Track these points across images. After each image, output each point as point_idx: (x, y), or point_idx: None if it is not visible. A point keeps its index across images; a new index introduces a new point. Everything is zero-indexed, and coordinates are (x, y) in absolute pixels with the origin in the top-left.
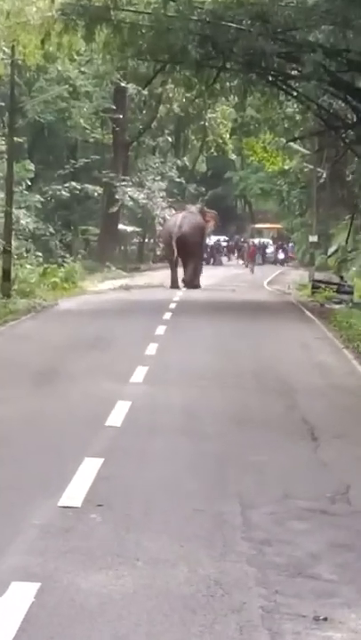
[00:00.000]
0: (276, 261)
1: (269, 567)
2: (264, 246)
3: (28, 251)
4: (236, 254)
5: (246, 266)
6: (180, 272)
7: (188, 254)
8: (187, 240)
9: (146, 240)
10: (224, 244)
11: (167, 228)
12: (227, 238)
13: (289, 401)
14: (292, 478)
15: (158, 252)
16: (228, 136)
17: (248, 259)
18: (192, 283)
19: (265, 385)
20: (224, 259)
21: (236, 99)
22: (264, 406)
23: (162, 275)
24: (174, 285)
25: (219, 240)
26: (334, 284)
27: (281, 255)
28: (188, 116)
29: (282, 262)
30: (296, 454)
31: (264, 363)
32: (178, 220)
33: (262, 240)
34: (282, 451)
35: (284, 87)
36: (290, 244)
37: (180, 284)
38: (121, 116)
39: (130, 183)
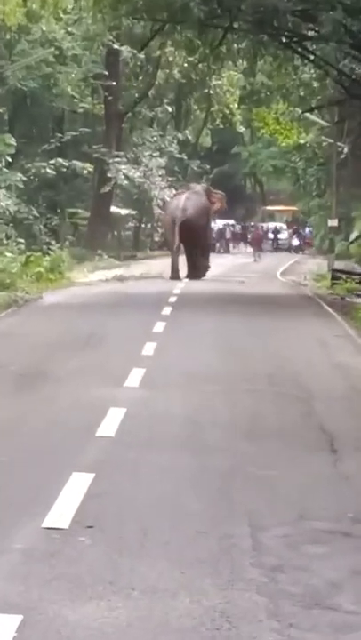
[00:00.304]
0: (290, 248)
1: (282, 597)
2: (277, 231)
3: (8, 237)
4: (244, 241)
5: (258, 254)
6: (182, 261)
7: (193, 241)
8: (191, 225)
9: (142, 225)
10: (230, 229)
11: (169, 212)
12: (233, 222)
13: (305, 407)
14: (309, 496)
15: (157, 239)
16: (235, 106)
17: (253, 245)
18: (196, 273)
19: (278, 389)
20: (231, 246)
21: (245, 63)
22: (277, 413)
23: (161, 264)
24: (175, 276)
25: (227, 224)
26: (357, 274)
27: (295, 241)
28: (191, 83)
29: (296, 249)
30: (313, 468)
31: (277, 364)
32: (181, 201)
33: (275, 224)
34: (297, 464)
35: (299, 50)
36: (306, 229)
37: (182, 274)
38: (114, 83)
39: (124, 160)
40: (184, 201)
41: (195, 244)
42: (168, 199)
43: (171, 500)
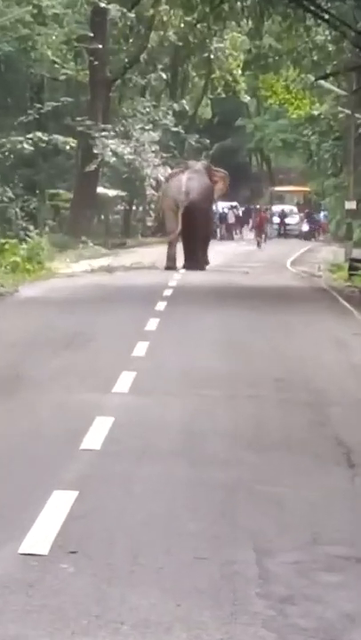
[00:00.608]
0: (300, 234)
1: (292, 632)
2: (284, 215)
3: None
4: (249, 225)
5: (264, 240)
6: (179, 249)
7: (195, 227)
8: (195, 209)
9: (133, 208)
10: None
11: (170, 194)
12: (236, 205)
13: (318, 415)
14: (323, 516)
15: (149, 223)
16: (239, 72)
17: (256, 229)
18: (196, 263)
19: (286, 395)
20: (234, 232)
21: (250, 23)
22: (286, 422)
23: (154, 252)
24: (171, 265)
25: (231, 207)
26: None
27: (306, 226)
28: (188, 47)
29: (307, 236)
30: (328, 485)
31: (287, 366)
32: (182, 182)
33: (282, 207)
34: (309, 480)
35: (312, 8)
36: (321, 213)
37: (179, 264)
38: (100, 47)
39: (112, 134)
40: (186, 182)
41: (196, 230)
42: (163, 179)
43: (165, 521)
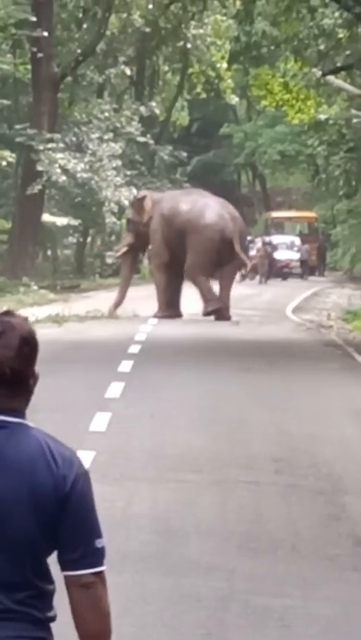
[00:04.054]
0: (303, 274)
1: None
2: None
3: None
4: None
5: (261, 281)
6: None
7: (229, 263)
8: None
9: (89, 240)
10: None
11: (213, 227)
12: None
13: (331, 508)
14: (339, 636)
15: (110, 260)
16: (224, 66)
17: (260, 269)
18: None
19: (291, 480)
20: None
21: (238, 3)
22: (291, 516)
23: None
24: (174, 313)
25: None
26: None
27: (295, 264)
28: (159, 34)
29: (301, 275)
30: (344, 597)
31: (290, 444)
32: (213, 207)
33: (283, 239)
34: (320, 591)
35: None
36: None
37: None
38: (46, 34)
39: (61, 145)
40: (218, 207)
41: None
42: (127, 203)
43: None
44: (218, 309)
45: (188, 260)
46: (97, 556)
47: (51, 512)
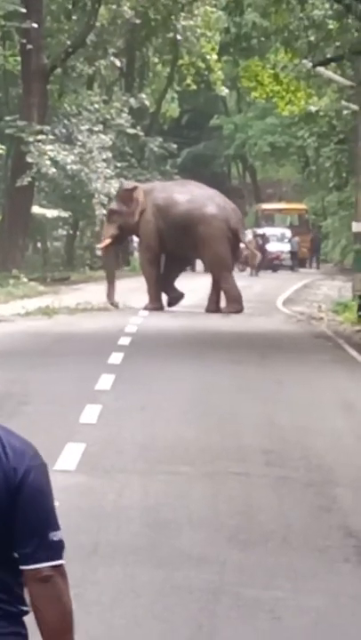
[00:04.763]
0: (294, 266)
1: None
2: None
3: None
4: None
5: (252, 273)
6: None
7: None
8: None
9: (79, 232)
10: None
11: (219, 217)
12: None
13: (322, 499)
14: (328, 629)
15: (100, 252)
16: (214, 57)
17: (250, 262)
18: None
19: (282, 472)
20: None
21: None
22: (281, 508)
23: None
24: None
25: None
26: None
27: (286, 255)
28: (149, 25)
29: (292, 267)
30: (334, 589)
31: (281, 436)
32: (215, 198)
33: (273, 231)
34: (311, 583)
35: None
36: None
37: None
38: (35, 26)
39: (51, 137)
40: (222, 200)
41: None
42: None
43: (125, 637)
44: (238, 311)
45: (204, 254)
46: (54, 550)
47: (1, 505)
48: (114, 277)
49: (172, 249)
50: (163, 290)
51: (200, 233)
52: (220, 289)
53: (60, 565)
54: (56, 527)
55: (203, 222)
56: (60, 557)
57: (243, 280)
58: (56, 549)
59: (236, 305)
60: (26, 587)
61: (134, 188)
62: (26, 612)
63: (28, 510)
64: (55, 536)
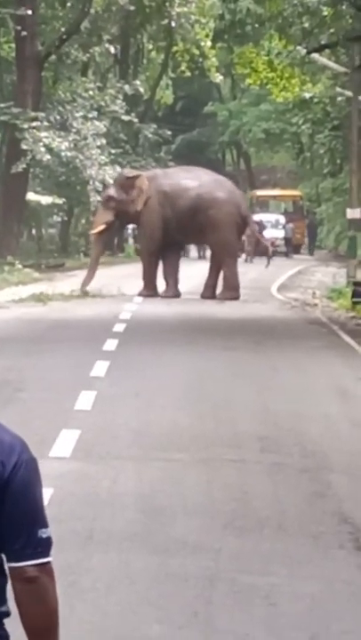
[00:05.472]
0: (288, 252)
1: None
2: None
3: None
4: None
5: (247, 260)
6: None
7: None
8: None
9: (73, 219)
10: None
11: (230, 202)
12: None
13: (316, 485)
14: (324, 615)
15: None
16: (208, 44)
17: (248, 247)
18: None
19: (277, 458)
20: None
21: None
22: (276, 494)
23: (102, 275)
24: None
25: None
26: None
27: (280, 242)
28: (143, 12)
29: (286, 253)
30: (329, 575)
31: (275, 422)
32: (223, 183)
33: (268, 217)
34: (306, 569)
35: None
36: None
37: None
38: (30, 13)
39: (45, 124)
40: (230, 185)
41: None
42: (111, 181)
43: (119, 624)
44: (235, 298)
45: (211, 239)
46: (41, 547)
47: None
48: (96, 265)
49: (173, 235)
50: (167, 277)
51: (210, 217)
52: (220, 275)
53: (48, 563)
54: (45, 524)
55: (214, 206)
56: (47, 555)
57: (238, 266)
58: (44, 547)
59: (233, 292)
60: (11, 584)
61: (137, 176)
62: (7, 614)
63: (17, 505)
64: (44, 533)
